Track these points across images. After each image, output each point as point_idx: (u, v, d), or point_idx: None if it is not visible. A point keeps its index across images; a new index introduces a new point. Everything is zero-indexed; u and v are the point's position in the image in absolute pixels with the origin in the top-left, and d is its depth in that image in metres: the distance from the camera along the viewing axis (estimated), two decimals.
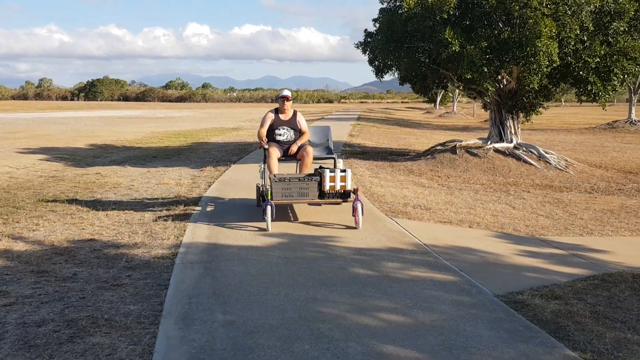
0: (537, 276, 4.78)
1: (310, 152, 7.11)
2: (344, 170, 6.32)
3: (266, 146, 7.00)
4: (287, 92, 7.39)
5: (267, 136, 7.23)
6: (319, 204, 7.03)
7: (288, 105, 7.29)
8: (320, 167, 6.64)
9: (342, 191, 6.27)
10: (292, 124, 7.26)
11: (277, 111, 7.34)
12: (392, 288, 4.33)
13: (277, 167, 6.86)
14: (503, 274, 4.84)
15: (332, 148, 7.94)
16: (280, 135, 7.20)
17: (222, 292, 4.20)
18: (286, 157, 7.16)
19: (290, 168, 7.80)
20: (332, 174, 6.22)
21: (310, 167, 7.08)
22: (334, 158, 7.45)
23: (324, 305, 3.95)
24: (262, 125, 7.27)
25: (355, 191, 6.27)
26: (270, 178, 6.37)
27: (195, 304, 3.96)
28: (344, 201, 6.31)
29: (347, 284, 4.42)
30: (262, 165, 7.25)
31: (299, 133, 7.29)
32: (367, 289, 4.31)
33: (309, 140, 7.45)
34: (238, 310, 3.83)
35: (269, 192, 6.10)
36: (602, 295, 4.32)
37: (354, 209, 6.21)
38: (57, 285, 4.35)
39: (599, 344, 3.44)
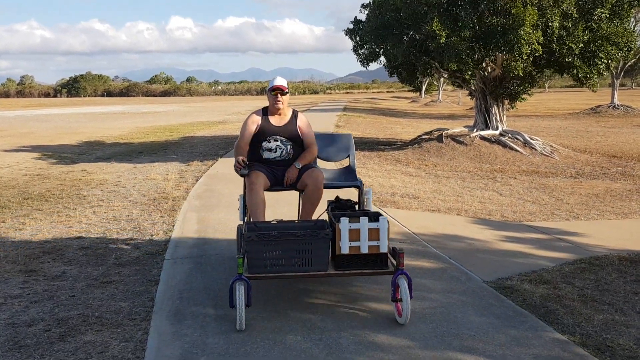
0: (526, 261, 4.83)
1: (320, 179, 4.35)
2: (376, 218, 3.67)
3: (245, 171, 4.30)
4: (280, 81, 4.63)
5: (250, 153, 4.57)
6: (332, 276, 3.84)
7: (283, 101, 4.58)
8: (336, 200, 4.41)
9: (374, 255, 3.60)
10: (289, 131, 4.58)
11: (265, 112, 4.66)
12: (382, 278, 4.34)
13: (263, 207, 4.22)
14: (492, 260, 4.88)
15: (356, 169, 5.13)
16: (270, 150, 4.53)
17: (213, 286, 4.20)
18: (281, 187, 4.52)
19: (288, 202, 5.54)
20: (355, 226, 3.56)
21: (318, 205, 4.43)
22: (359, 187, 4.70)
23: (315, 297, 3.96)
24: (242, 136, 4.59)
25: (397, 255, 3.53)
26: (244, 230, 3.71)
27: (187, 299, 3.95)
28: (375, 273, 3.64)
29: None
30: (242, 200, 4.59)
31: (301, 147, 4.62)
32: (357, 279, 4.32)
33: (316, 158, 4.76)
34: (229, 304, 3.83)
35: (241, 259, 3.47)
36: (589, 278, 4.37)
37: (395, 289, 3.55)
38: (46, 284, 4.32)
39: (588, 326, 3.49)
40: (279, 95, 4.55)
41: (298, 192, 4.53)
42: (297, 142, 4.60)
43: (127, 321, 3.60)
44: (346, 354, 3.11)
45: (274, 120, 4.63)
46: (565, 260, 4.86)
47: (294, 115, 4.71)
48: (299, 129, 4.64)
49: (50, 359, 3.08)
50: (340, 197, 4.48)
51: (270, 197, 4.54)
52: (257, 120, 4.64)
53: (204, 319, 3.59)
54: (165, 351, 3.17)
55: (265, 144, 4.56)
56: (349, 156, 5.29)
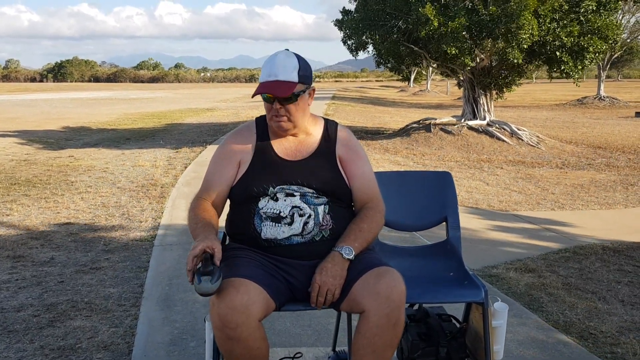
0: (511, 250, 4.90)
1: (398, 297, 1.84)
2: None
3: (211, 286, 1.92)
4: (278, 68, 2.02)
5: (230, 226, 2.24)
6: None
7: (293, 114, 2.05)
8: (420, 315, 2.34)
9: None
10: (321, 172, 2.09)
11: (264, 127, 2.17)
12: None
13: None
14: (478, 249, 4.94)
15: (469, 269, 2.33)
16: (277, 219, 2.04)
17: None
18: (303, 307, 2.02)
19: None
20: None
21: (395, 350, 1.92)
22: (481, 304, 2.10)
23: None
24: (207, 184, 2.19)
25: None
26: None
27: (176, 285, 3.97)
28: None
29: None
30: (210, 334, 2.04)
31: (347, 206, 2.15)
32: None
33: (378, 223, 2.10)
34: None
35: None
36: (573, 267, 4.45)
37: None
38: (35, 269, 4.32)
39: (571, 314, 3.56)
40: (277, 104, 2.04)
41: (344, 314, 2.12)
42: (341, 196, 2.12)
43: (116, 307, 3.61)
44: None
45: (284, 147, 2.15)
46: (550, 249, 4.94)
47: (330, 131, 2.20)
48: (341, 165, 2.15)
49: (40, 344, 3.09)
50: (427, 308, 2.34)
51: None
52: (245, 148, 2.15)
53: (193, 305, 3.61)
54: (155, 337, 3.19)
55: (264, 205, 2.08)
56: (446, 220, 2.59)
